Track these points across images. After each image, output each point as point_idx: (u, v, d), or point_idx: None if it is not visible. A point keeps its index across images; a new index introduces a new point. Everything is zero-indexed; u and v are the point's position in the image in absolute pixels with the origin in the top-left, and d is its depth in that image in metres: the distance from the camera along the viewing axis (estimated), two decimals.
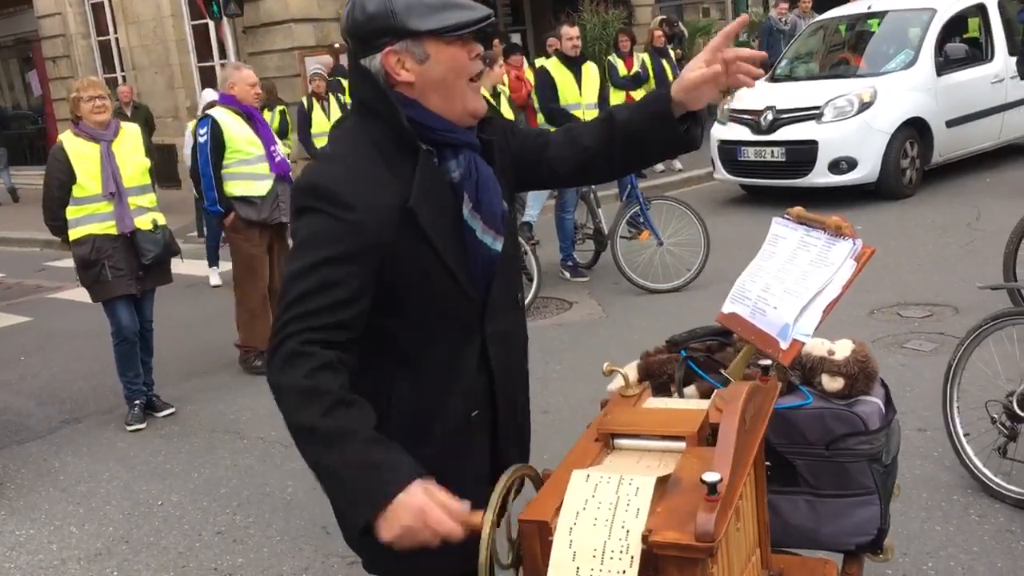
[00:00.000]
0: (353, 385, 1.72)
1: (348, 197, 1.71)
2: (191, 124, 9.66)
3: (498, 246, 1.87)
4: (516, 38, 15.57)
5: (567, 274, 7.76)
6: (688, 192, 11.02)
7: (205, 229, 9.70)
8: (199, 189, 6.20)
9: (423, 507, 1.56)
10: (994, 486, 3.62)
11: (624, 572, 1.44)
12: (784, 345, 1.85)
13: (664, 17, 13.97)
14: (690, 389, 2.43)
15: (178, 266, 5.85)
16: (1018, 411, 3.47)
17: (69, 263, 7.17)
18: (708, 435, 1.86)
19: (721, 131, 10.25)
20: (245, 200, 6.04)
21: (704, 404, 2.04)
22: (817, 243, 1.93)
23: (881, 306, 6.18)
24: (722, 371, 2.13)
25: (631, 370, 2.53)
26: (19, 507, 4.70)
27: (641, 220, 7.44)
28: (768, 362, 2.01)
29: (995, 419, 3.54)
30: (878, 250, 1.92)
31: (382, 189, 1.74)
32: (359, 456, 1.61)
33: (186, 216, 11.24)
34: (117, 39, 16.62)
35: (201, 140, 5.98)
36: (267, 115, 9.19)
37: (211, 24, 14.62)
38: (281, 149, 6.27)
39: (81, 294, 5.58)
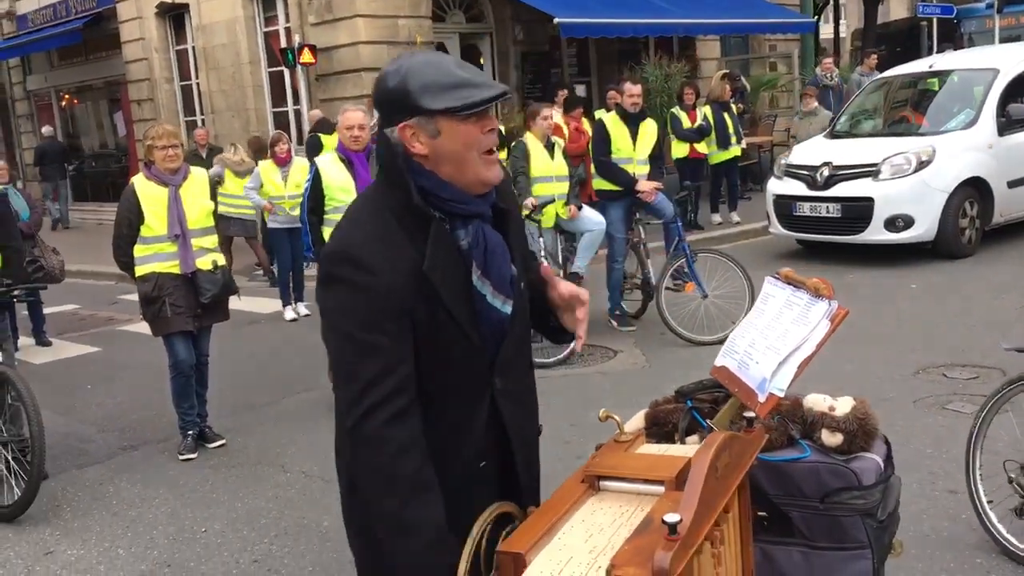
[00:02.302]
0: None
1: (370, 260, 1.87)
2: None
3: (507, 308, 2.02)
4: (581, 90, 15.82)
5: (615, 323, 7.86)
6: (744, 245, 11.06)
7: (276, 267, 10.01)
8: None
9: None
10: (1014, 549, 3.60)
11: None
12: (761, 398, 1.95)
13: (727, 72, 14.11)
14: (693, 438, 2.51)
15: (244, 303, 6.04)
16: None
17: None
18: (686, 480, 1.96)
19: (777, 186, 10.28)
20: None
21: (691, 451, 2.14)
22: (800, 303, 2.04)
23: (927, 366, 6.13)
24: (708, 421, 2.23)
25: (639, 418, 2.64)
26: (73, 528, 4.94)
27: (686, 272, 7.52)
28: (753, 414, 2.11)
29: (1012, 479, 3.53)
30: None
31: (400, 254, 1.89)
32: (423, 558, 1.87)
33: (250, 256, 11.70)
34: (198, 84, 17.35)
35: (305, 187, 6.12)
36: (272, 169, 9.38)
37: (286, 71, 15.20)
38: None
39: (148, 327, 5.88)
